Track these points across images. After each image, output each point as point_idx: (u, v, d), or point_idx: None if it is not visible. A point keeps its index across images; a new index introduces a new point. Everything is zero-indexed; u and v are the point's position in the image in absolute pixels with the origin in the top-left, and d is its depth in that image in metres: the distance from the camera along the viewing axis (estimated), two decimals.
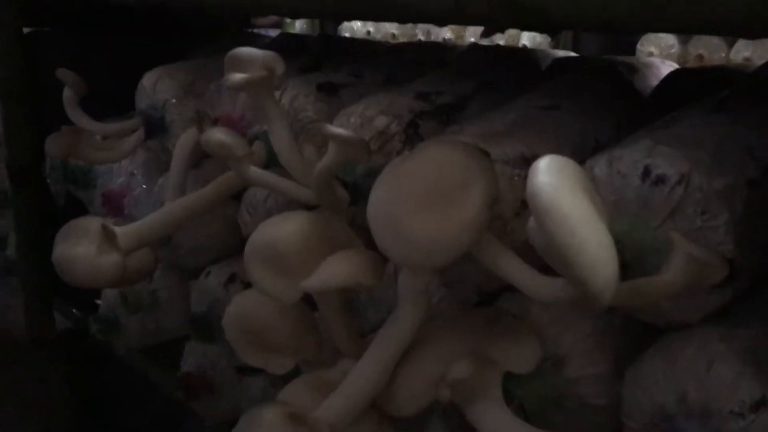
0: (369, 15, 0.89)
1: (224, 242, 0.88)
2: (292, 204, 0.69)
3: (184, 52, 1.03)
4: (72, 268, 0.65)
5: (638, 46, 2.22)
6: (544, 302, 0.47)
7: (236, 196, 0.84)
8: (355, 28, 2.81)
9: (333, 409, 0.51)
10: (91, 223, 0.68)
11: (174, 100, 0.87)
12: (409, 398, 0.53)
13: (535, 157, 0.40)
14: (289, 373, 0.61)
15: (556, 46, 1.94)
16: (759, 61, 0.85)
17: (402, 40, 2.50)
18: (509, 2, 0.44)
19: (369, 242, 0.54)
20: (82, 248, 0.66)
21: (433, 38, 2.68)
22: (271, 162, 0.68)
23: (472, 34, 2.40)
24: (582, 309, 0.52)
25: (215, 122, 0.77)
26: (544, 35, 2.16)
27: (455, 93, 0.67)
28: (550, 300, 0.46)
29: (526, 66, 0.81)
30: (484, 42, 1.25)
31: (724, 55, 2.12)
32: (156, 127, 0.88)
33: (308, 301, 0.61)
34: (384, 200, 0.49)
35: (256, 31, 1.38)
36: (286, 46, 1.03)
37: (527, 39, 2.24)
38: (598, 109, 0.60)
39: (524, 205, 0.52)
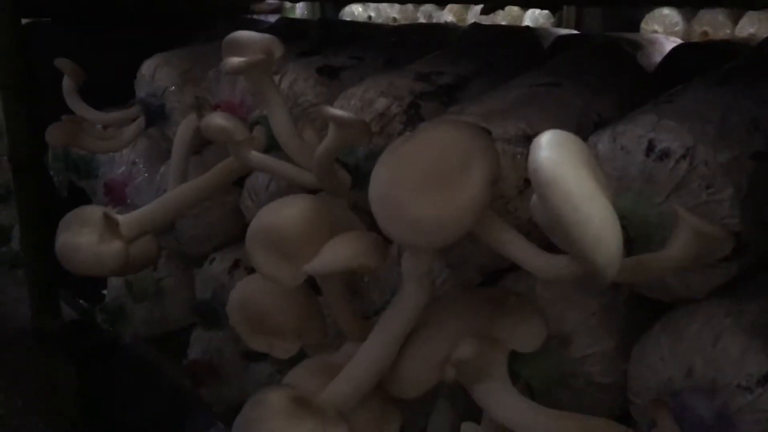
0: None
1: (227, 229, 0.88)
2: (294, 189, 0.69)
3: (183, 40, 1.03)
4: (74, 257, 0.65)
5: (642, 24, 2.20)
6: (547, 280, 0.47)
7: (238, 182, 0.83)
8: (356, 13, 2.79)
9: (338, 391, 0.50)
10: (94, 212, 0.68)
11: (173, 88, 0.87)
12: (414, 380, 0.53)
13: (537, 134, 0.39)
14: (295, 358, 0.61)
15: (558, 26, 1.92)
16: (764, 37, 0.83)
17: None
18: None
19: (371, 225, 0.53)
20: (84, 237, 0.66)
21: (434, 21, 2.66)
22: (272, 147, 0.67)
23: (473, 16, 2.38)
24: (586, 286, 0.52)
25: (215, 108, 0.76)
26: (547, 15, 2.14)
27: (456, 73, 0.67)
28: (553, 277, 0.46)
29: (527, 45, 0.80)
30: (486, 22, 1.24)
31: (729, 31, 2.10)
32: (156, 115, 0.87)
33: (312, 285, 0.60)
34: (385, 181, 0.49)
35: (255, 17, 1.37)
36: (285, 31, 1.02)
37: (530, 19, 2.22)
38: (601, 85, 0.60)
39: (526, 184, 0.51)
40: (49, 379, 1.33)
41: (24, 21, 1.14)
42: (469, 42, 0.83)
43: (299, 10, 2.27)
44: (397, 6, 2.70)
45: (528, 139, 0.52)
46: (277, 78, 0.71)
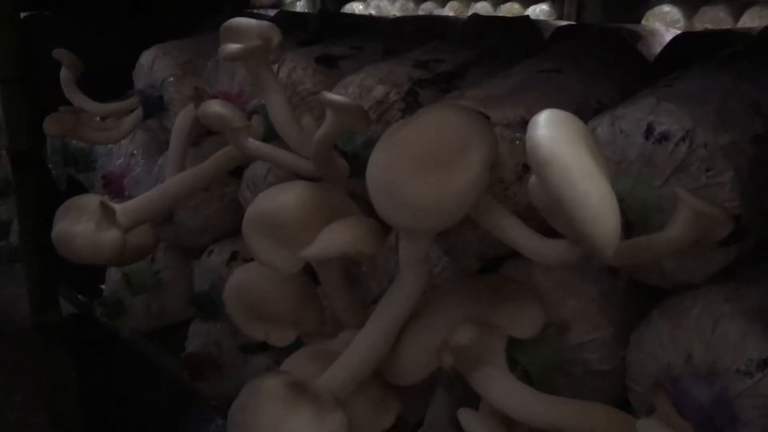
0: None
1: (226, 221, 0.88)
2: (292, 178, 0.68)
3: (183, 32, 1.02)
4: (71, 246, 0.65)
5: (642, 22, 2.20)
6: (546, 264, 0.47)
7: (237, 174, 0.83)
8: (357, 11, 2.79)
9: (335, 377, 0.50)
10: (90, 201, 0.68)
11: (172, 79, 0.87)
12: (412, 367, 0.52)
13: None
14: (292, 349, 0.61)
15: (560, 19, 1.91)
16: None
17: None
18: None
19: (370, 214, 0.53)
20: (81, 225, 0.65)
21: None
22: (269, 136, 0.67)
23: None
24: (585, 273, 0.52)
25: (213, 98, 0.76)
26: (548, 13, 2.14)
27: (455, 61, 0.66)
28: (552, 262, 0.45)
29: (527, 34, 0.80)
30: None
31: (730, 27, 2.09)
32: (154, 106, 0.87)
33: (311, 275, 0.60)
34: (383, 165, 0.48)
35: (255, 11, 1.37)
36: (285, 23, 1.02)
37: (530, 13, 2.22)
38: (601, 72, 0.59)
39: (525, 169, 0.51)
40: (48, 373, 1.33)
41: (23, 14, 1.14)
42: (468, 32, 0.82)
43: (300, 8, 2.27)
44: (398, 4, 2.69)
45: (527, 124, 0.51)
46: (275, 67, 0.71)
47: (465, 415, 0.47)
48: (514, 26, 0.80)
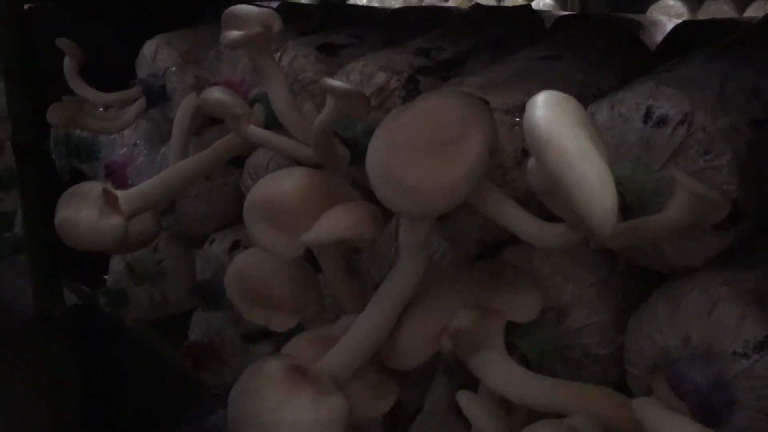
0: None
1: (228, 210, 0.88)
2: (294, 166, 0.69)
3: (185, 22, 1.03)
4: (74, 232, 0.65)
5: (647, 14, 2.19)
6: (545, 249, 0.47)
7: (238, 163, 0.84)
8: (360, 2, 2.78)
9: (334, 361, 0.50)
10: (93, 188, 0.68)
11: (174, 68, 0.87)
12: (411, 351, 0.52)
13: None
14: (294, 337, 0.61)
15: (563, 10, 1.91)
16: None
17: None
18: None
19: (370, 201, 0.53)
20: (83, 212, 0.66)
21: None
22: (271, 124, 0.67)
23: None
24: (584, 258, 0.52)
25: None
26: (552, 6, 2.13)
27: (456, 49, 0.66)
28: (551, 246, 0.45)
29: (529, 23, 0.80)
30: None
31: (732, 17, 2.08)
32: (157, 96, 0.87)
33: (311, 262, 0.60)
34: (382, 150, 0.49)
35: (258, 3, 1.37)
36: (287, 13, 1.02)
37: (534, 4, 2.21)
38: (601, 59, 0.59)
39: (525, 154, 0.51)
40: (51, 365, 1.34)
41: (26, 6, 1.14)
42: (469, 20, 0.82)
43: (304, 0, 2.26)
44: None
45: None
46: (277, 55, 0.71)
47: (464, 398, 0.47)
48: (515, 15, 0.80)
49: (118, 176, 0.96)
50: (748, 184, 0.44)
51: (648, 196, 0.44)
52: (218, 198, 0.88)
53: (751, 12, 2.08)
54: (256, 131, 0.63)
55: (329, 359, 0.51)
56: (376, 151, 0.49)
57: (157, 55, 0.88)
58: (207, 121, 0.85)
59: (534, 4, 2.17)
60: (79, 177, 1.12)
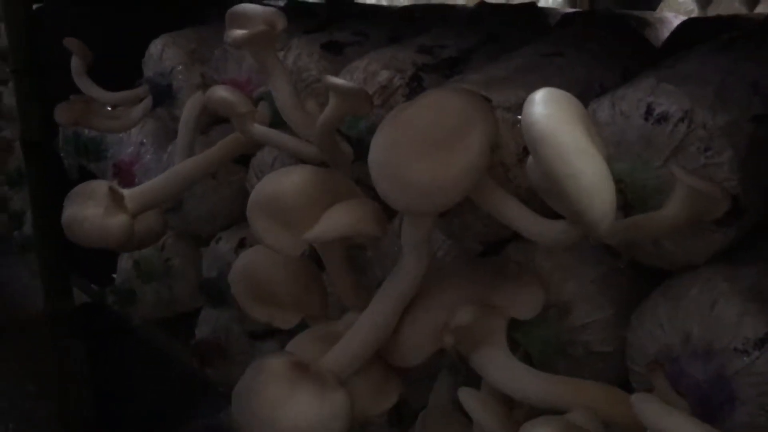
0: None
1: (233, 209, 0.89)
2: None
3: (190, 21, 1.03)
4: (80, 230, 0.66)
5: (656, 11, 2.17)
6: (545, 245, 0.47)
7: (244, 162, 0.84)
8: (367, 2, 2.78)
9: (337, 357, 0.51)
10: (99, 186, 0.69)
11: (180, 67, 0.88)
12: (413, 348, 0.53)
13: None
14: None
15: (573, 7, 1.91)
16: None
17: None
18: None
19: (373, 199, 0.53)
20: (90, 210, 0.66)
21: None
22: (276, 122, 0.68)
23: None
24: (585, 255, 0.52)
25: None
26: (561, 3, 2.12)
27: (459, 47, 0.67)
28: (552, 242, 0.46)
29: (533, 20, 0.80)
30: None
31: (738, 14, 2.06)
32: (163, 95, 0.88)
33: (316, 260, 0.61)
34: (384, 147, 0.49)
35: (264, 2, 1.37)
36: (292, 12, 1.02)
37: (543, 2, 2.20)
38: (604, 56, 0.59)
39: (526, 152, 0.51)
40: (60, 363, 1.35)
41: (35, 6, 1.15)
42: (473, 18, 0.82)
43: None
44: None
45: None
46: (281, 54, 0.71)
47: (465, 394, 0.47)
48: (519, 13, 0.80)
49: (125, 175, 0.97)
50: (749, 180, 0.43)
51: (649, 193, 0.44)
52: (224, 197, 0.89)
53: (762, 9, 2.06)
54: (260, 129, 0.63)
55: (332, 356, 0.51)
56: (378, 148, 0.49)
57: (163, 54, 0.89)
58: (213, 120, 0.85)
59: (543, 2, 2.16)
60: (87, 176, 1.13)
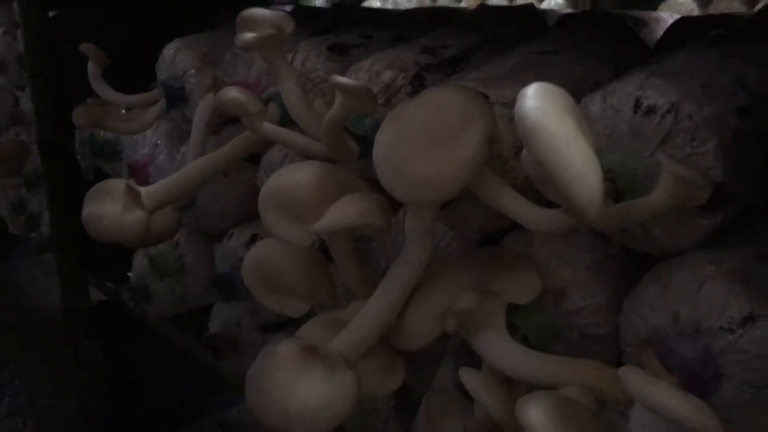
0: None
1: (244, 206, 0.91)
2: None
3: (202, 26, 1.06)
4: (99, 226, 0.69)
5: (657, 11, 2.19)
6: (541, 232, 0.49)
7: (255, 161, 0.87)
8: (375, 6, 2.81)
9: (345, 341, 0.53)
10: (117, 185, 0.72)
11: (193, 70, 0.90)
12: (417, 333, 0.55)
13: None
14: None
15: (575, 9, 1.93)
16: None
17: None
18: None
19: (378, 193, 0.56)
20: (108, 207, 0.69)
21: None
22: (284, 122, 0.71)
23: None
24: (580, 243, 0.54)
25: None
26: (563, 5, 2.15)
27: (460, 47, 0.69)
28: (547, 229, 0.48)
29: (531, 21, 0.82)
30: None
31: (732, 12, 2.08)
32: (177, 97, 0.91)
33: (325, 253, 0.63)
34: (387, 142, 0.52)
35: (273, 7, 1.40)
36: (300, 16, 1.05)
37: (545, 4, 2.22)
38: (598, 54, 0.62)
39: (522, 145, 0.53)
40: (77, 360, 1.38)
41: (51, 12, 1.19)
42: (474, 19, 0.85)
43: (319, 1, 2.30)
44: (414, 0, 2.72)
45: None
46: (290, 56, 0.74)
47: (466, 374, 0.50)
48: (518, 14, 0.83)
49: (140, 175, 1.00)
50: (733, 168, 0.46)
51: (638, 181, 0.47)
52: (235, 194, 0.92)
53: (762, 6, 2.07)
54: (270, 128, 0.66)
55: (340, 340, 0.54)
56: (381, 144, 0.52)
57: (176, 57, 0.92)
58: (224, 121, 0.88)
59: (545, 4, 2.18)
60: (103, 177, 1.15)
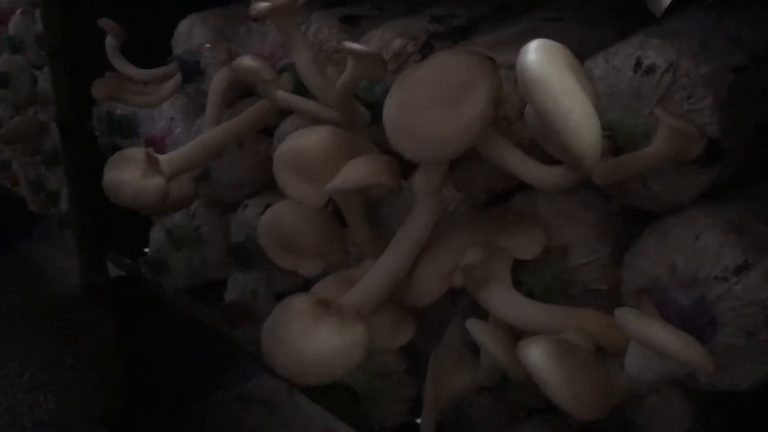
0: None
1: (259, 176, 0.94)
2: None
3: (217, 2, 1.08)
4: (120, 191, 0.71)
5: None
6: (545, 189, 0.51)
7: (269, 133, 0.89)
8: None
9: (356, 295, 0.56)
10: (137, 152, 0.74)
11: (208, 45, 0.93)
12: (426, 289, 0.58)
13: None
14: None
15: None
16: None
17: None
18: None
19: None
20: (128, 174, 0.72)
21: None
22: (298, 92, 0.73)
23: None
24: (583, 201, 0.56)
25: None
26: None
27: (468, 16, 0.71)
28: (550, 185, 0.50)
29: None
30: None
31: None
32: (192, 71, 0.93)
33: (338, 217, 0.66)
34: (396, 104, 0.54)
35: None
36: None
37: None
38: (602, 20, 0.63)
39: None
40: (97, 336, 1.42)
41: None
42: None
43: None
44: None
45: None
46: (302, 28, 0.76)
47: (473, 324, 0.52)
48: None
49: (157, 148, 1.03)
50: (729, 125, 0.48)
51: (638, 138, 0.49)
52: (250, 166, 0.94)
53: None
54: (283, 95, 0.68)
55: (351, 294, 0.56)
56: (391, 106, 0.54)
57: (191, 32, 0.94)
58: (239, 94, 0.91)
59: None
60: None
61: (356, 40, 0.72)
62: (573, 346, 0.44)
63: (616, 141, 0.49)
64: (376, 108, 0.66)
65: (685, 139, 0.44)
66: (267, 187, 0.93)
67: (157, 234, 1.10)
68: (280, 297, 0.95)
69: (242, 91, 0.89)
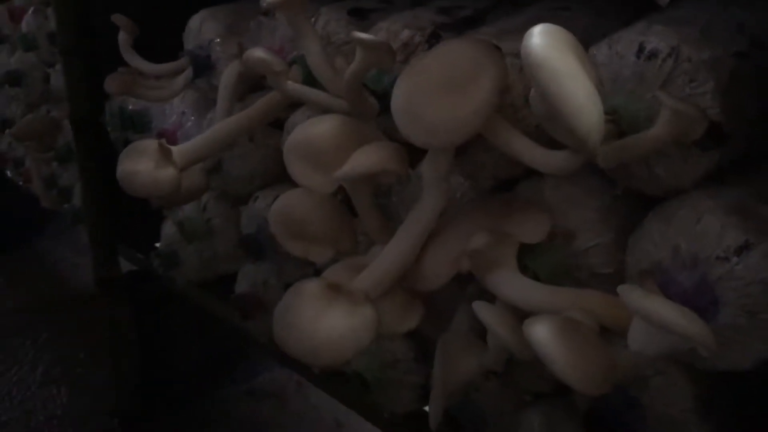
0: None
1: (269, 169, 0.95)
2: None
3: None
4: (133, 182, 0.73)
5: None
6: (551, 173, 0.52)
7: (279, 126, 0.91)
8: None
9: (365, 280, 0.57)
10: (150, 144, 0.76)
11: (218, 39, 0.94)
12: (433, 274, 0.59)
13: None
14: None
15: None
16: None
17: None
18: None
19: None
20: (142, 164, 0.73)
21: None
22: (307, 83, 0.74)
23: None
24: (588, 186, 0.57)
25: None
26: None
27: (476, 7, 0.72)
28: (555, 169, 0.51)
29: None
30: None
31: None
32: (203, 66, 0.95)
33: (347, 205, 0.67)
34: (404, 92, 0.55)
35: None
36: None
37: None
38: (608, 9, 0.64)
39: None
40: (109, 330, 1.43)
41: None
42: None
43: None
44: None
45: None
46: (311, 21, 0.78)
47: (480, 306, 0.53)
48: None
49: (169, 141, 1.03)
50: (731, 109, 0.49)
51: (641, 122, 0.50)
52: (261, 158, 0.95)
53: None
54: (294, 86, 0.70)
55: (361, 279, 0.57)
56: (399, 93, 0.55)
57: (202, 27, 0.95)
58: (249, 88, 0.92)
59: None
60: None
61: (365, 32, 0.73)
62: (577, 324, 0.45)
63: (619, 126, 0.50)
64: (384, 97, 0.67)
65: (687, 121, 0.44)
66: (277, 179, 0.95)
67: (168, 228, 1.12)
68: (289, 287, 0.97)
69: (252, 85, 0.90)
